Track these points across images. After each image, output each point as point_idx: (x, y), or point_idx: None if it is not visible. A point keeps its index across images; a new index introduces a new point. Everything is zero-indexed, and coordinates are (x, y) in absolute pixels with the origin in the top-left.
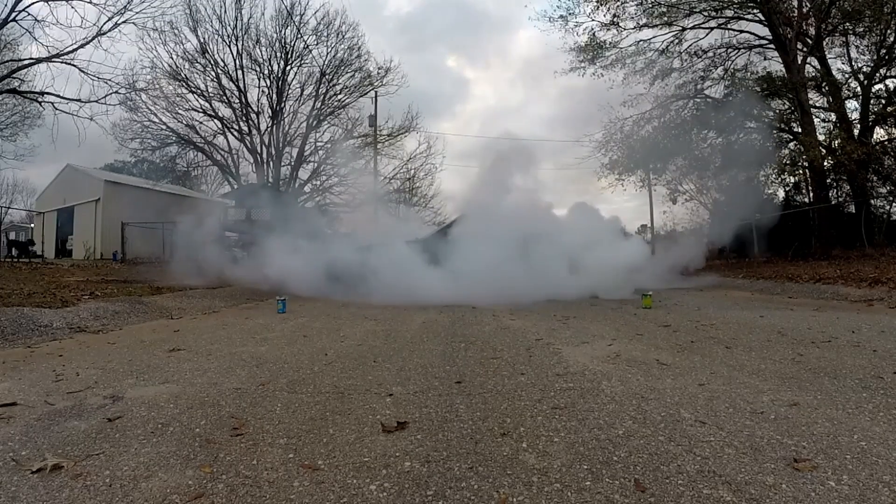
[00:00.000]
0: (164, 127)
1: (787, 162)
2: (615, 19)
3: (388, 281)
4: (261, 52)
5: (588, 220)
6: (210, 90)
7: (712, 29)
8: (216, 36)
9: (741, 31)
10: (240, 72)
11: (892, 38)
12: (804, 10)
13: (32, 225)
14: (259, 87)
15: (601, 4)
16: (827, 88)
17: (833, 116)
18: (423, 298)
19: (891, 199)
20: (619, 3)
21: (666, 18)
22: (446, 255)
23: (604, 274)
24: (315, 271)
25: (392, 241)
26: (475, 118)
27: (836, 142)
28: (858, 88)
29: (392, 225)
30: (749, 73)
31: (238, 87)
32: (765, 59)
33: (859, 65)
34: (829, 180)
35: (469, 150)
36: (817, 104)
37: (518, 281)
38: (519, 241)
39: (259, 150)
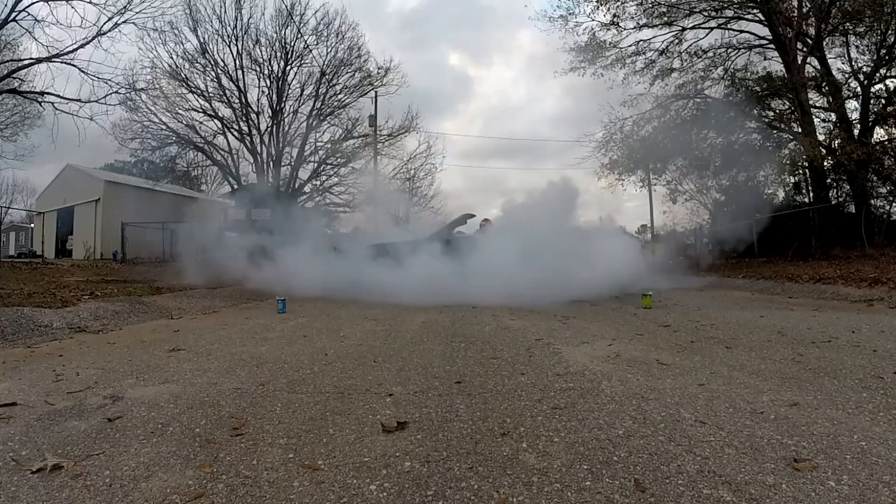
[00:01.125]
0: (164, 127)
1: (787, 162)
2: (615, 19)
3: (415, 282)
4: (261, 52)
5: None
6: (210, 90)
7: (712, 29)
8: (216, 36)
9: (741, 31)
10: (240, 72)
11: (892, 38)
12: (804, 10)
13: (32, 225)
14: (259, 87)
15: (601, 4)
16: (827, 88)
17: (833, 116)
18: (452, 298)
19: (891, 199)
20: (619, 3)
21: (666, 18)
22: (470, 257)
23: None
24: (339, 276)
25: (415, 239)
26: (478, 116)
27: (836, 142)
28: (858, 88)
29: (405, 223)
30: (749, 73)
31: (238, 87)
32: (765, 59)
33: (859, 65)
34: (829, 180)
35: (472, 149)
36: (817, 104)
37: (540, 282)
38: (555, 251)
39: (259, 150)
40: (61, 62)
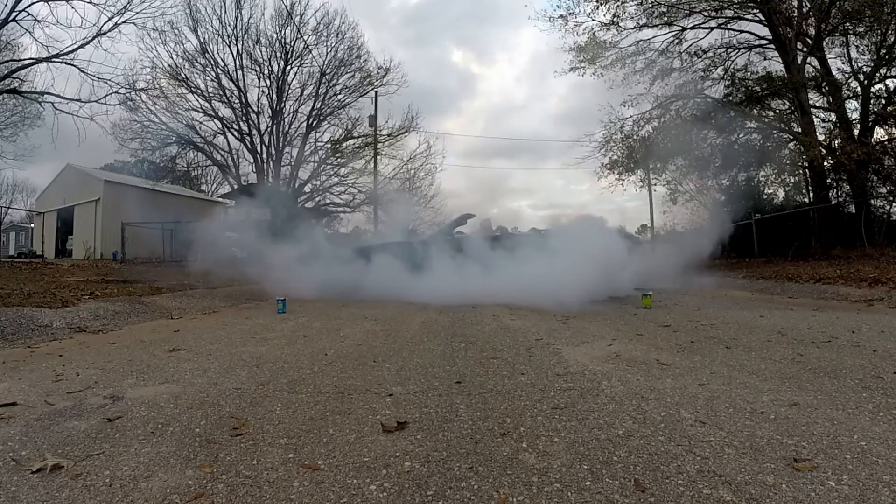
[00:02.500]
0: (164, 127)
1: (787, 162)
2: (615, 19)
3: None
4: (261, 52)
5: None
6: (210, 90)
7: (712, 29)
8: (216, 36)
9: (741, 31)
10: (240, 72)
11: (892, 38)
12: (804, 10)
13: (32, 225)
14: (259, 87)
15: (601, 4)
16: (827, 88)
17: (833, 116)
18: (499, 299)
19: (891, 199)
20: (619, 3)
21: (666, 18)
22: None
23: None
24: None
25: (461, 236)
26: (481, 114)
27: (836, 142)
28: (858, 88)
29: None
30: (749, 73)
31: (238, 87)
32: (765, 59)
33: (859, 65)
34: (829, 180)
35: (474, 148)
36: (817, 104)
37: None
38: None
39: (259, 150)
40: (61, 62)
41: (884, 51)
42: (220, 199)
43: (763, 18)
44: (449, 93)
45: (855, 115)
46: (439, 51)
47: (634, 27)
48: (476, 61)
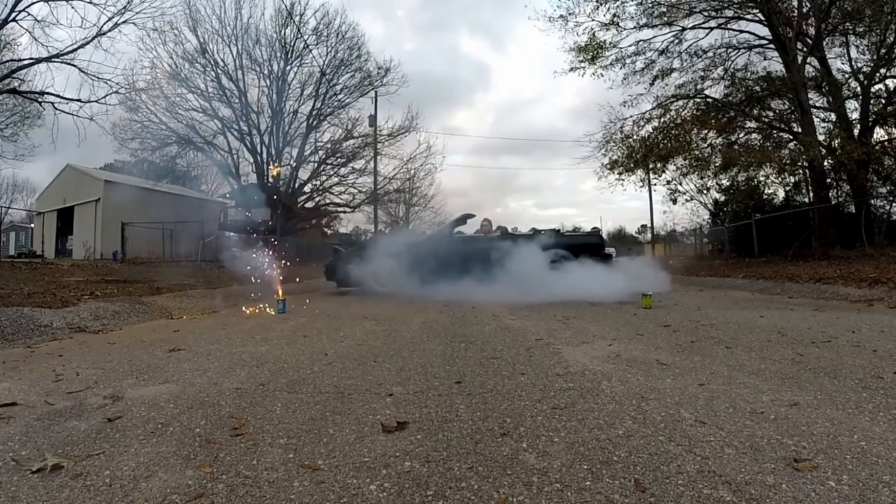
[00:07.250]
0: (164, 127)
1: (787, 162)
2: (615, 19)
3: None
4: (261, 52)
5: None
6: (210, 90)
7: (712, 29)
8: (216, 36)
9: (741, 31)
10: (240, 72)
11: (892, 38)
12: (804, 10)
13: (32, 225)
14: (259, 87)
15: (601, 4)
16: (827, 88)
17: (833, 116)
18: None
19: (891, 199)
20: (619, 3)
21: (666, 18)
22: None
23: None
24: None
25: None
26: (494, 107)
27: (836, 142)
28: (858, 88)
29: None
30: (749, 73)
31: (238, 87)
32: (765, 59)
33: (859, 65)
34: (829, 180)
35: (484, 144)
36: (817, 104)
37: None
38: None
39: (259, 150)
40: (61, 62)
41: (884, 51)
42: (220, 199)
43: (763, 18)
44: (462, 84)
45: (855, 115)
46: (454, 38)
47: (634, 27)
48: (491, 50)
